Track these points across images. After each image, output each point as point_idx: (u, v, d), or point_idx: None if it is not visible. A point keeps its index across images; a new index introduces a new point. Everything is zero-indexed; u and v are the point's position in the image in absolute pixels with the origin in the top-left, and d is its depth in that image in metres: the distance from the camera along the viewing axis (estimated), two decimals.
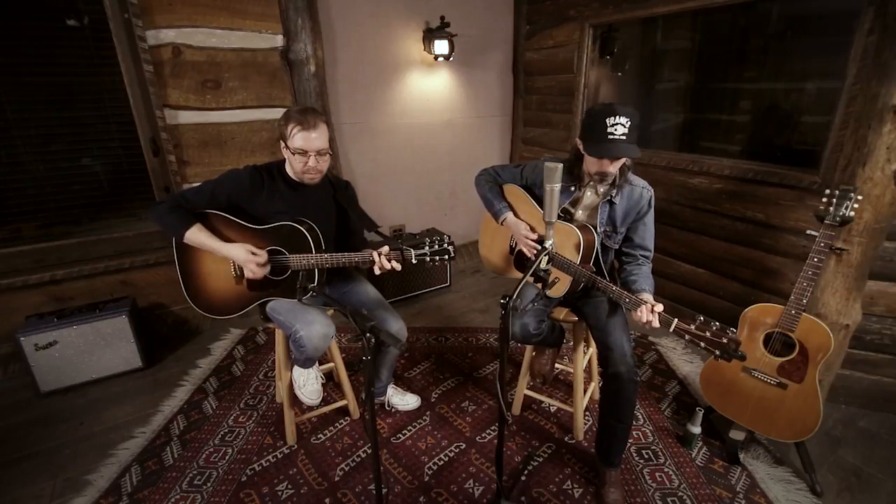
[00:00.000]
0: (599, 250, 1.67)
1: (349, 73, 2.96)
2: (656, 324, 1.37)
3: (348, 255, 1.62)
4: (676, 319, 1.32)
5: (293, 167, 1.66)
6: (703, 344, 1.27)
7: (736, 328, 1.27)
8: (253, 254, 1.61)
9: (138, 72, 2.32)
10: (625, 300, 1.46)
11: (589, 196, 1.69)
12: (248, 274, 1.64)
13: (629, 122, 1.42)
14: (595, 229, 1.66)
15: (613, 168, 1.54)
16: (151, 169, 2.52)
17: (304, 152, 1.59)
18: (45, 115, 2.29)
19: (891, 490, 1.71)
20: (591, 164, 1.57)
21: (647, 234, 1.68)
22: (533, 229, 1.74)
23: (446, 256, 1.59)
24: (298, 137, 1.57)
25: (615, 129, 1.42)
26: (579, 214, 1.71)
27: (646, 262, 1.67)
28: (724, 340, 1.23)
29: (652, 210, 1.66)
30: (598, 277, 1.54)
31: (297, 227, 1.64)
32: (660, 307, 1.38)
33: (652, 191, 1.65)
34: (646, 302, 1.40)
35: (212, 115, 2.54)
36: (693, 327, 1.29)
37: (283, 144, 1.63)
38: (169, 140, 2.43)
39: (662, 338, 2.66)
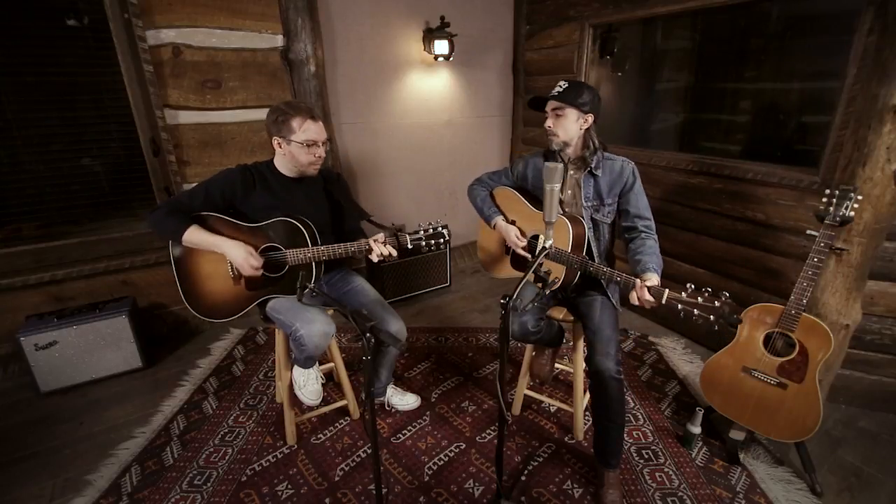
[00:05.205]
0: (591, 230, 1.69)
1: (349, 73, 2.96)
2: (648, 297, 1.37)
3: (345, 246, 1.63)
4: (667, 290, 1.32)
5: (299, 160, 1.66)
6: (696, 311, 1.25)
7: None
8: (251, 255, 1.61)
9: (138, 72, 2.32)
10: (616, 279, 1.47)
11: (571, 175, 1.72)
12: (243, 272, 1.64)
13: (566, 84, 1.62)
14: (582, 207, 1.70)
15: (552, 123, 1.65)
16: (151, 169, 2.52)
17: (314, 143, 1.62)
18: (45, 115, 2.29)
19: (891, 490, 1.71)
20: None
21: (640, 202, 1.68)
22: (523, 234, 1.81)
23: (441, 240, 1.60)
24: (311, 129, 1.61)
25: (554, 88, 1.64)
26: (567, 195, 1.74)
27: (648, 234, 1.65)
28: (718, 304, 1.22)
29: (638, 180, 1.68)
30: (590, 261, 1.57)
31: (292, 222, 1.65)
32: (653, 281, 1.38)
33: (633, 163, 1.69)
34: (636, 279, 1.41)
35: (212, 115, 2.53)
36: (685, 295, 1.28)
37: (284, 140, 1.63)
38: (169, 140, 2.43)
39: (662, 337, 2.66)
